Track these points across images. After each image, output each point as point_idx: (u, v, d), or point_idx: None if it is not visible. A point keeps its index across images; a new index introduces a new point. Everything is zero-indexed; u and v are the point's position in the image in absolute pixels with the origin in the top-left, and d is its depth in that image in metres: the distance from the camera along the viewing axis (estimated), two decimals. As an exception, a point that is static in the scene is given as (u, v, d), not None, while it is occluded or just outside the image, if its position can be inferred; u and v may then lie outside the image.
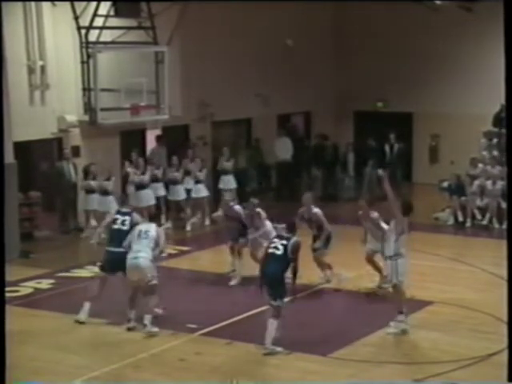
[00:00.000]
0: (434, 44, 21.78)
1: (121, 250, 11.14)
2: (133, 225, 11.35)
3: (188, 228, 17.54)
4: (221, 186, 18.50)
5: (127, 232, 11.26)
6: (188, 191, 17.80)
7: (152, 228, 11.21)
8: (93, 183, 16.40)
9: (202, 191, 17.82)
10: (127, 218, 11.54)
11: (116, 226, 11.50)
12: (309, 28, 22.21)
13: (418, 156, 22.89)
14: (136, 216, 11.68)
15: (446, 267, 14.55)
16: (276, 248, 10.31)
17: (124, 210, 11.88)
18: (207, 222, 17.83)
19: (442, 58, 21.88)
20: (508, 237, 6.58)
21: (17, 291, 13.09)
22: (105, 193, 16.39)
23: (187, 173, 17.79)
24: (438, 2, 20.89)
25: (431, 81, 22.11)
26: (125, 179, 17.27)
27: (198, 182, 17.79)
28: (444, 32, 21.64)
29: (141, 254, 10.89)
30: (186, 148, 18.61)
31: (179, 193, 17.66)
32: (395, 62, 22.30)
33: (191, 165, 17.86)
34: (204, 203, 17.93)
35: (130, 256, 10.95)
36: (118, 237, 11.32)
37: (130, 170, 17.03)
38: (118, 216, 11.65)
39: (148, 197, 16.90)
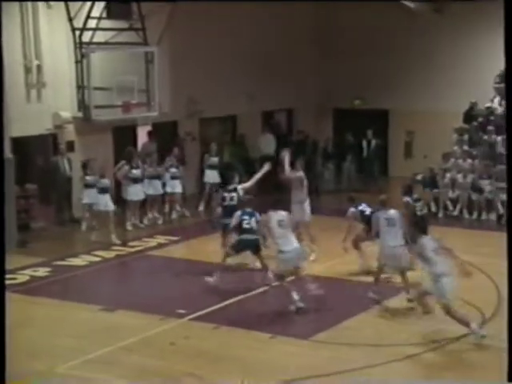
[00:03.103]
0: (409, 45, 21.83)
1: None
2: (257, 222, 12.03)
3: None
4: (206, 179, 18.45)
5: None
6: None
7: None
8: (89, 178, 15.99)
9: (176, 187, 17.39)
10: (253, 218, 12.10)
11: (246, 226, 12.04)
12: (291, 29, 22.19)
13: (394, 151, 22.94)
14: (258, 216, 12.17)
15: (419, 255, 14.58)
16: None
17: (248, 210, 12.21)
18: (187, 213, 17.65)
19: (417, 59, 21.92)
20: (508, 237, 6.49)
21: (14, 279, 13.01)
22: (103, 191, 15.73)
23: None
24: (410, 5, 20.95)
25: (406, 80, 22.15)
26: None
27: (173, 177, 17.30)
28: (418, 33, 21.67)
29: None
30: (175, 144, 18.55)
31: (157, 188, 17.02)
32: (372, 61, 22.28)
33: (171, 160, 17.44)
34: (177, 199, 17.47)
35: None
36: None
37: (126, 167, 16.66)
38: (245, 217, 12.10)
39: (140, 191, 16.68)
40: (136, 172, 16.63)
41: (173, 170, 17.35)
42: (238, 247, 12.18)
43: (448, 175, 18.39)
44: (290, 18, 22.06)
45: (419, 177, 18.67)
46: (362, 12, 22.07)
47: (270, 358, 9.61)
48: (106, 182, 15.87)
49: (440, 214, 17.93)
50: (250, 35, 20.79)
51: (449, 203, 18.07)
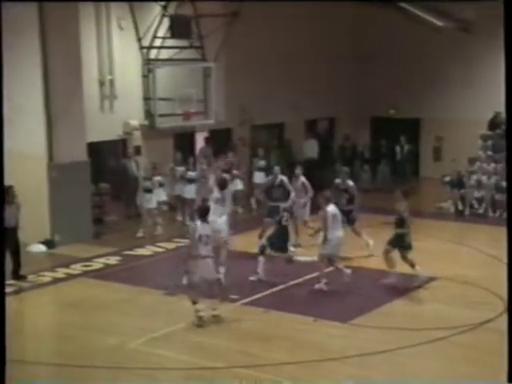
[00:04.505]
0: (440, 60, 21.61)
1: None
2: None
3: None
4: (255, 180, 18.52)
5: None
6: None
7: None
8: (156, 179, 15.82)
9: (238, 185, 17.21)
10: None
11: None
12: (332, 45, 22.11)
13: (424, 155, 22.71)
14: None
15: (447, 248, 14.49)
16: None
17: None
18: (239, 210, 17.37)
19: (447, 72, 21.69)
20: (508, 237, 6.37)
21: (90, 266, 13.31)
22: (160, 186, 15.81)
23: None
24: (439, 23, 20.71)
25: (436, 91, 21.93)
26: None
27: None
28: (448, 50, 21.47)
29: None
30: (228, 148, 18.63)
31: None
32: (406, 74, 22.15)
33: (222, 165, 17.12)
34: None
35: None
36: None
37: (177, 168, 16.71)
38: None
39: (192, 191, 16.46)
40: (191, 173, 16.69)
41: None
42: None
43: (474, 177, 18.17)
44: (331, 36, 21.99)
45: (447, 178, 18.49)
46: (397, 29, 21.89)
47: (312, 338, 9.66)
48: (161, 179, 15.82)
49: (466, 212, 17.74)
50: (294, 50, 20.79)
51: (474, 202, 17.85)
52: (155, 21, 17.34)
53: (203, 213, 10.07)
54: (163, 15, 17.42)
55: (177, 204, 17.04)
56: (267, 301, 11.13)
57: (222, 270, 11.25)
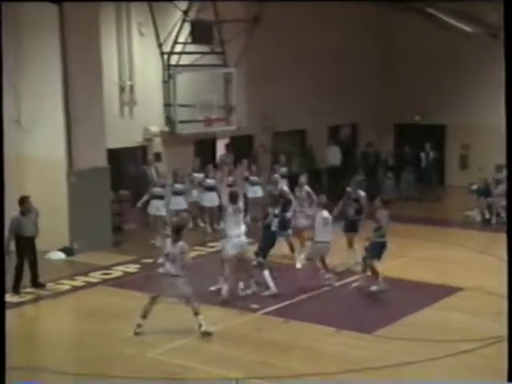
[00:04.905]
0: (466, 66, 21.49)
1: None
2: None
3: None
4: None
5: None
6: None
7: None
8: (178, 186, 15.87)
9: (258, 192, 17.09)
10: None
11: None
12: (355, 51, 22.08)
13: (450, 163, 22.57)
14: None
15: (474, 258, 14.36)
16: None
17: None
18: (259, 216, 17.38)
19: (473, 77, 21.54)
20: (508, 237, 6.35)
21: (109, 274, 13.35)
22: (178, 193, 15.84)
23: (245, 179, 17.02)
24: (467, 29, 20.56)
25: (463, 96, 21.79)
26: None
27: (254, 184, 16.94)
28: (475, 56, 21.34)
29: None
30: (249, 155, 18.62)
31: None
32: (431, 79, 22.04)
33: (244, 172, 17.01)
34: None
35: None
36: None
37: (195, 174, 16.81)
38: None
39: (212, 198, 16.47)
40: (210, 181, 16.63)
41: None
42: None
43: (501, 185, 17.98)
44: (355, 41, 21.95)
45: (474, 186, 18.34)
46: (422, 34, 21.79)
47: (334, 349, 9.59)
48: (181, 186, 15.83)
49: (493, 221, 17.59)
50: (316, 55, 20.76)
51: (501, 210, 17.67)
52: (176, 26, 17.42)
53: (178, 230, 10.12)
54: (184, 20, 17.50)
55: (195, 211, 17.04)
56: (288, 311, 11.09)
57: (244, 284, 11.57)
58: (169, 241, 10.08)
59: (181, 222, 10.58)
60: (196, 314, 10.04)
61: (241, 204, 11.81)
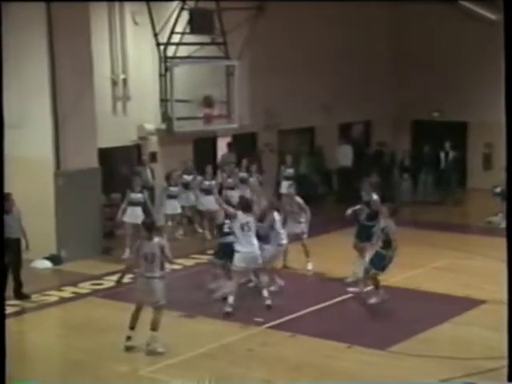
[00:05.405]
0: (489, 58, 21.42)
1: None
2: None
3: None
4: (282, 190, 18.46)
5: None
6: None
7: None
8: (173, 189, 16.21)
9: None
10: None
11: None
12: (368, 42, 22.12)
13: (473, 163, 22.57)
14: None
15: (497, 268, 14.21)
16: None
17: None
18: None
19: (497, 71, 21.42)
20: (508, 238, 6.34)
21: (100, 284, 13.36)
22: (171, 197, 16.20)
23: (242, 181, 17.33)
24: (492, 17, 20.56)
25: (486, 92, 21.76)
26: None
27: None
28: (497, 47, 21.21)
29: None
30: (253, 155, 18.65)
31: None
32: (451, 73, 22.04)
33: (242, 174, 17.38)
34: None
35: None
36: None
37: (185, 177, 16.87)
38: None
39: (211, 202, 16.30)
40: (207, 183, 16.66)
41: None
42: None
43: (527, 188, 17.95)
44: (368, 32, 21.98)
45: (498, 189, 18.26)
46: (440, 25, 21.82)
47: (346, 366, 9.58)
48: (175, 190, 16.17)
49: (519, 226, 17.54)
50: (327, 49, 20.82)
51: (528, 216, 17.64)
52: (173, 15, 17.43)
53: (149, 228, 10.11)
54: (182, 8, 17.51)
55: (194, 216, 17.05)
56: (294, 324, 11.09)
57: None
58: (143, 241, 10.05)
59: (149, 219, 10.79)
60: (153, 329, 9.98)
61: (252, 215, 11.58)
